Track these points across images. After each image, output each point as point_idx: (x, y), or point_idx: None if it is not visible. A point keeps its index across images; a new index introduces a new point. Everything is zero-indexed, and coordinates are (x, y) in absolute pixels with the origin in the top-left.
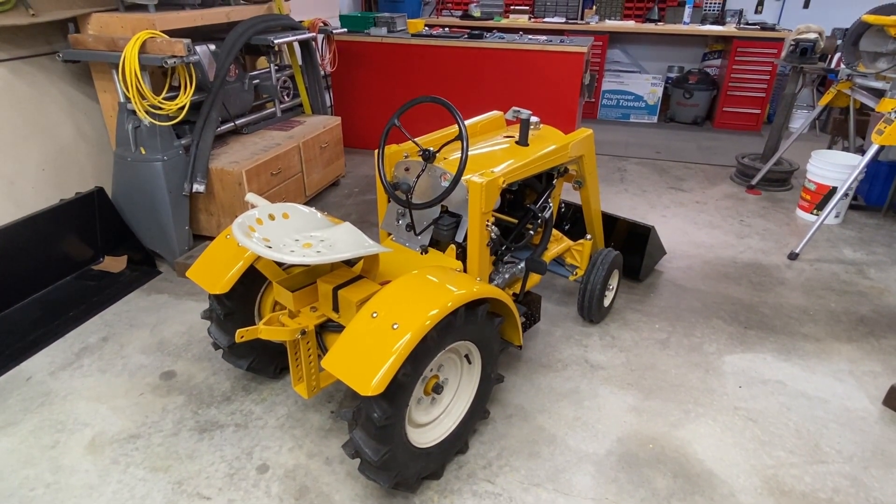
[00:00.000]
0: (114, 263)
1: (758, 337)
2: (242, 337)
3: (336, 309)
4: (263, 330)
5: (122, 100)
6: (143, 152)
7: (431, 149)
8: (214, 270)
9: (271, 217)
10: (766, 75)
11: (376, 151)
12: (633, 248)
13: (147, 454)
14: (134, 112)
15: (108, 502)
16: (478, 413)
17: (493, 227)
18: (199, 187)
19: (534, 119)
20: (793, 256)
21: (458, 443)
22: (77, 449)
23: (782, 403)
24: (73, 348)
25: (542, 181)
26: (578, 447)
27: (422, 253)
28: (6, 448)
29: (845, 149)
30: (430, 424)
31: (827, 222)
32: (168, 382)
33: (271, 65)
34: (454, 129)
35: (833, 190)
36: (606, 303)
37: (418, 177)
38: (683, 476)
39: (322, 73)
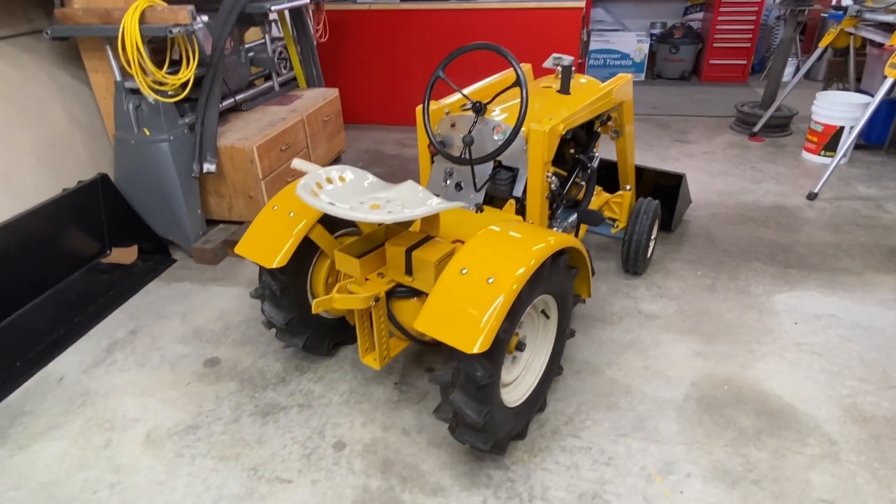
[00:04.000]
0: (124, 255)
1: (800, 275)
2: (319, 307)
3: (409, 272)
4: (338, 299)
5: (118, 78)
6: (148, 133)
7: (481, 101)
8: (267, 244)
9: (329, 180)
10: (750, 25)
11: (420, 108)
12: (662, 197)
13: (212, 444)
14: (133, 91)
15: (183, 496)
16: (554, 369)
17: (554, 177)
18: (209, 167)
19: None
20: (812, 196)
21: (539, 400)
22: (133, 446)
23: (841, 336)
24: (101, 344)
25: (586, 131)
26: (655, 395)
27: (477, 211)
28: (56, 453)
29: (845, 89)
30: (513, 383)
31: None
32: (214, 370)
33: (266, 35)
34: (495, 80)
35: (840, 130)
36: (648, 253)
37: (470, 131)
38: (766, 413)
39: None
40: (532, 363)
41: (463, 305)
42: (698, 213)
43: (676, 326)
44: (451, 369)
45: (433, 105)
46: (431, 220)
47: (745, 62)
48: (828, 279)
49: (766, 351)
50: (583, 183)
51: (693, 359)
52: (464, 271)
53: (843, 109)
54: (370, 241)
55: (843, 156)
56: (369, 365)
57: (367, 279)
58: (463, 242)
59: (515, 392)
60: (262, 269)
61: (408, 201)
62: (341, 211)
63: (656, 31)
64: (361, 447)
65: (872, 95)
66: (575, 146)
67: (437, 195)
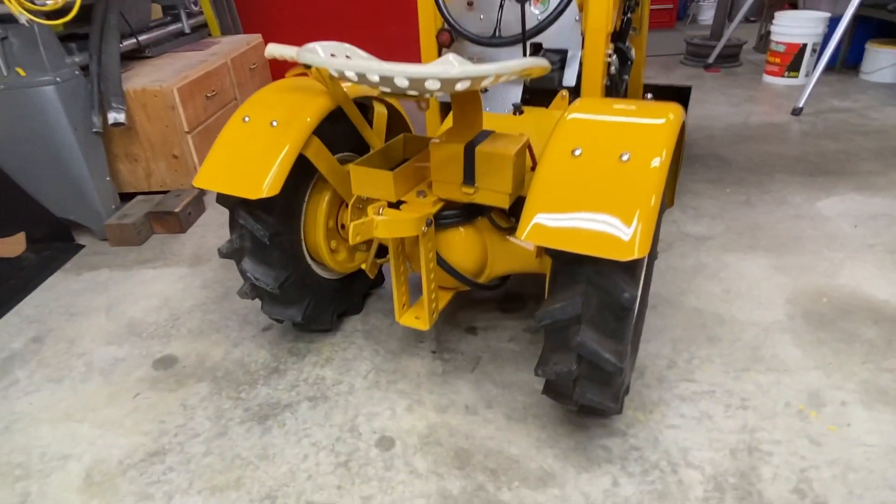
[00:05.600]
0: (4, 247)
1: (829, 181)
2: (358, 235)
3: (470, 179)
4: (382, 223)
5: None
6: (23, 74)
7: None
8: (245, 167)
9: (333, 56)
10: None
11: None
12: None
13: (193, 471)
14: None
15: None
16: (647, 298)
17: (614, 57)
18: (117, 116)
19: None
20: (797, 112)
21: (638, 340)
22: (67, 495)
23: None
24: None
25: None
26: (754, 320)
27: (515, 114)
28: None
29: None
30: None
31: (797, 83)
32: (171, 371)
33: None
34: None
35: (803, 48)
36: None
37: (501, 6)
38: (884, 320)
39: None
40: None
41: (594, 197)
42: (696, 136)
43: (735, 245)
44: (578, 296)
45: None
46: (473, 114)
47: (672, 7)
48: (858, 182)
49: (843, 257)
50: (626, 77)
51: (772, 275)
52: (577, 152)
53: (806, 25)
54: (388, 159)
55: (807, 75)
56: (410, 326)
57: (401, 203)
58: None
59: None
60: (237, 209)
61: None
62: (396, 69)
63: None
64: (417, 439)
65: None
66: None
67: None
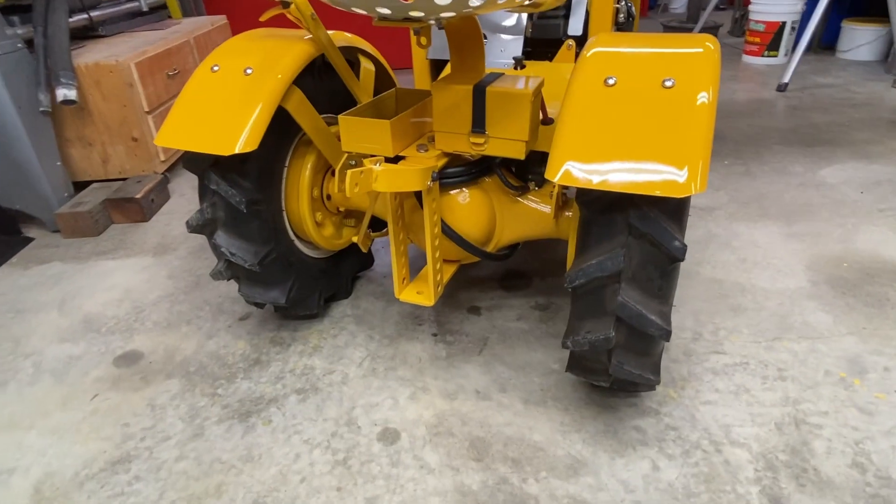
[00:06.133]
0: None
1: (827, 151)
2: (355, 185)
3: (480, 125)
4: (382, 174)
5: None
6: None
7: None
8: (216, 122)
9: None
10: None
11: None
12: None
13: (165, 479)
14: None
15: None
16: None
17: (623, 2)
18: (67, 93)
19: None
20: (782, 88)
21: None
22: None
23: None
24: None
25: None
26: (777, 287)
27: (516, 68)
28: None
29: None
30: None
31: (777, 62)
32: (136, 368)
33: None
34: None
35: (783, 26)
36: None
37: None
38: None
39: None
40: None
41: (636, 128)
42: None
43: (743, 214)
44: (619, 248)
45: None
46: (476, 55)
47: None
48: (856, 151)
49: (856, 222)
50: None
51: (787, 242)
52: (610, 81)
53: (785, 3)
54: (380, 114)
55: (785, 54)
56: (412, 302)
57: (400, 160)
58: None
59: None
60: (208, 173)
61: None
62: None
63: None
64: (425, 430)
65: None
66: None
67: (448, 60)
